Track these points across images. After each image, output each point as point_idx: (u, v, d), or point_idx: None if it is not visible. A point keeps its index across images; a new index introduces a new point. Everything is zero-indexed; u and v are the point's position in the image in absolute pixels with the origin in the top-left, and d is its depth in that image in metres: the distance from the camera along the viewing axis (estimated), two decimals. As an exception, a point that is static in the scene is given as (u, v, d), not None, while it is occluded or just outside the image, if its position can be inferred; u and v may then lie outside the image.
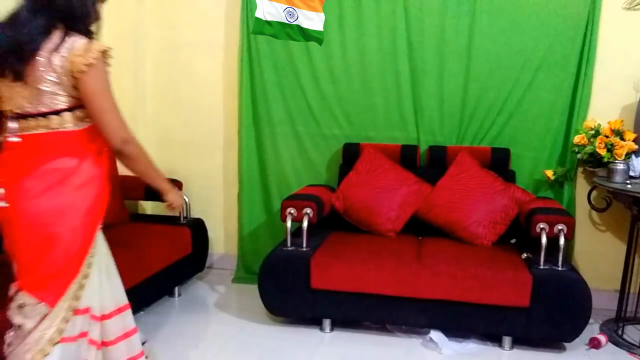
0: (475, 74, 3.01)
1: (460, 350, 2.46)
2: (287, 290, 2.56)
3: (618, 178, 2.61)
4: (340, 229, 2.97)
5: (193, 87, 3.47)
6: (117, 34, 3.36)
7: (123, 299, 1.78)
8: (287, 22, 2.66)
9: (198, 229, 3.14)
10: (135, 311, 2.71)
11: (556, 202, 2.83)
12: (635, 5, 2.84)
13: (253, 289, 2.77)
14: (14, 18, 1.53)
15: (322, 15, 2.76)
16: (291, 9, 2.65)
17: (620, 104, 2.90)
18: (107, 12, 3.61)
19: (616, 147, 2.68)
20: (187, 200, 3.12)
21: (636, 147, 2.69)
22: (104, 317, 1.69)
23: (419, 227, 2.91)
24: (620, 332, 2.63)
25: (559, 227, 2.43)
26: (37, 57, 1.50)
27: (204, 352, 2.44)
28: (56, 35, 1.51)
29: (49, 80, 1.51)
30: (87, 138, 1.60)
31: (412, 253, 2.58)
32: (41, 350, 1.55)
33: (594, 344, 2.52)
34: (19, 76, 1.51)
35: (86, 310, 1.63)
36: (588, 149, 2.76)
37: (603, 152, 2.70)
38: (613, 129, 2.76)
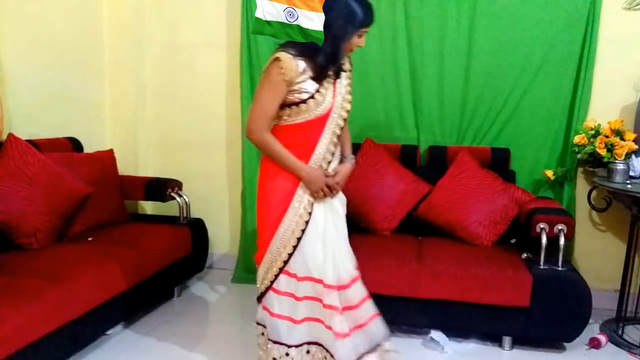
0: (476, 74, 3.02)
1: (461, 350, 2.46)
2: (287, 290, 2.56)
3: (618, 178, 2.61)
4: (340, 229, 2.96)
5: (193, 87, 3.47)
6: (117, 34, 3.36)
7: None
8: (287, 22, 2.66)
9: (198, 229, 3.14)
10: (134, 311, 2.73)
11: (556, 202, 2.83)
12: (635, 5, 2.84)
13: (253, 289, 2.71)
14: None
15: (322, 15, 2.75)
16: (291, 9, 2.64)
17: (620, 104, 2.91)
18: (108, 12, 3.62)
19: (616, 147, 2.69)
20: (187, 200, 3.12)
21: (636, 147, 2.69)
22: None
23: (419, 227, 2.91)
24: (620, 332, 2.63)
25: (559, 227, 2.43)
26: None
27: (204, 352, 2.43)
28: None
29: None
30: None
31: (412, 253, 2.58)
32: None
33: (594, 344, 2.52)
34: None
35: None
36: (588, 149, 2.76)
37: (603, 152, 2.70)
38: (613, 129, 2.76)
